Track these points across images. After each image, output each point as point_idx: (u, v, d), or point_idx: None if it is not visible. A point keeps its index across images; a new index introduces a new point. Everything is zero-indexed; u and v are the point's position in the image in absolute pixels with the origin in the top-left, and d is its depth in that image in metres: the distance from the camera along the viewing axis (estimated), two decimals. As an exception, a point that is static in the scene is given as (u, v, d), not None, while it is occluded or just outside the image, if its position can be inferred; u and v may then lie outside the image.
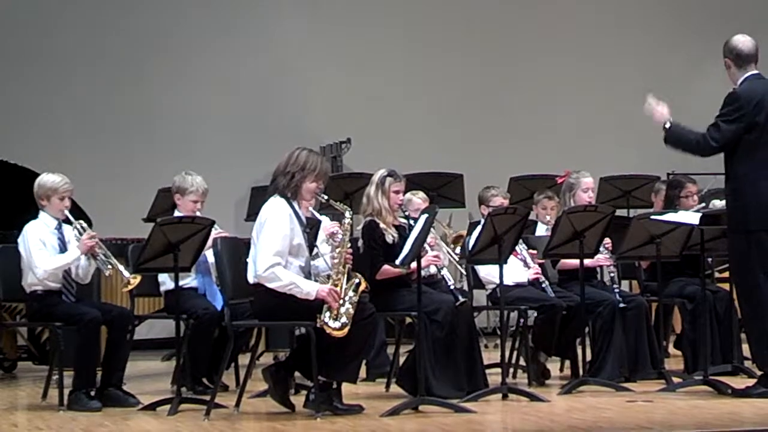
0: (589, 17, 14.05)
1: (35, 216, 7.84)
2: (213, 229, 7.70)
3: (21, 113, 12.23)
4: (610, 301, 8.42)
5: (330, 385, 7.06)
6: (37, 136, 12.04)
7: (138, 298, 8.63)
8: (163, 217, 8.23)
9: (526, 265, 8.60)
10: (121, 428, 6.93)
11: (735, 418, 6.79)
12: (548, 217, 8.85)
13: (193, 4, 13.00)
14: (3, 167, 10.09)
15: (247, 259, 7.22)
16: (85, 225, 7.84)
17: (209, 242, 7.66)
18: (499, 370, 7.95)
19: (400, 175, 7.99)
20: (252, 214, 9.97)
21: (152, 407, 7.44)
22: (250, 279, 7.08)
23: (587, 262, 8.19)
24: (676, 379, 8.20)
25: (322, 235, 7.53)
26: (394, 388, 7.95)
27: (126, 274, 7.72)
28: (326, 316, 6.87)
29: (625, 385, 8.12)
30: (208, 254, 7.99)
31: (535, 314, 8.51)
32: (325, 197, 7.30)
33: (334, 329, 6.86)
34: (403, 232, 7.81)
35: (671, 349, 9.52)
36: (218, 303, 8.23)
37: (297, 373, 7.30)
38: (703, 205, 9.04)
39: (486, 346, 10.56)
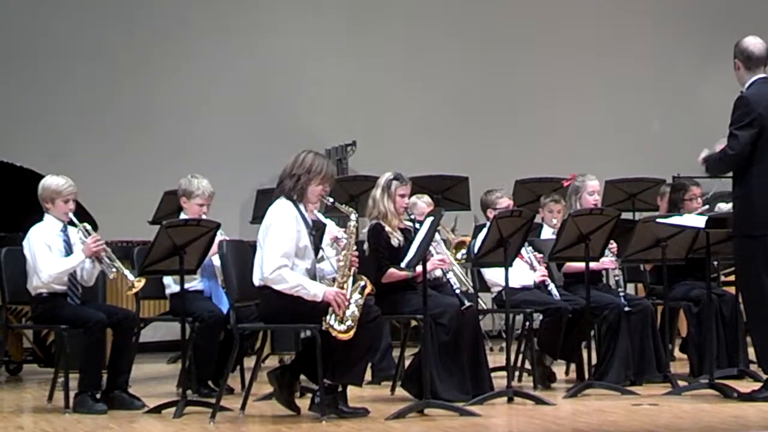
0: (595, 19, 14.04)
1: (40, 218, 7.85)
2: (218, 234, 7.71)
3: (25, 115, 12.23)
4: (615, 305, 8.42)
5: (335, 388, 7.06)
6: (42, 139, 12.04)
7: (143, 300, 8.63)
8: (168, 219, 8.21)
9: (531, 268, 8.60)
10: (127, 431, 6.94)
11: (740, 422, 6.78)
12: (554, 221, 8.84)
13: (200, 5, 13.00)
14: (8, 169, 10.08)
15: (253, 262, 7.21)
16: (89, 228, 7.84)
17: (214, 247, 7.66)
18: (504, 373, 7.95)
19: (406, 178, 7.99)
20: (257, 217, 9.97)
21: (158, 410, 7.45)
22: (256, 281, 7.09)
23: (593, 265, 8.19)
24: (681, 383, 8.20)
25: (327, 239, 7.53)
26: (400, 391, 7.94)
27: (130, 277, 7.72)
28: (332, 319, 6.87)
29: (631, 388, 8.11)
30: (214, 257, 7.99)
31: (541, 317, 8.51)
32: (331, 200, 7.31)
33: (340, 332, 6.86)
34: (408, 235, 7.81)
35: (677, 353, 9.52)
36: (224, 306, 8.23)
37: (302, 376, 7.30)
38: (707, 207, 9.03)
39: (491, 349, 10.57)
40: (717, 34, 12.66)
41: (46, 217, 7.84)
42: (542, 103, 13.66)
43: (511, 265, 7.87)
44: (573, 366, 8.87)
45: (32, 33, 12.39)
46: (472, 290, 8.41)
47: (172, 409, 7.30)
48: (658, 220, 8.21)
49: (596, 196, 8.81)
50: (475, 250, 8.05)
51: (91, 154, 12.10)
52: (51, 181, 7.86)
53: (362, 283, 7.04)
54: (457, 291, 7.88)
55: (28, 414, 7.94)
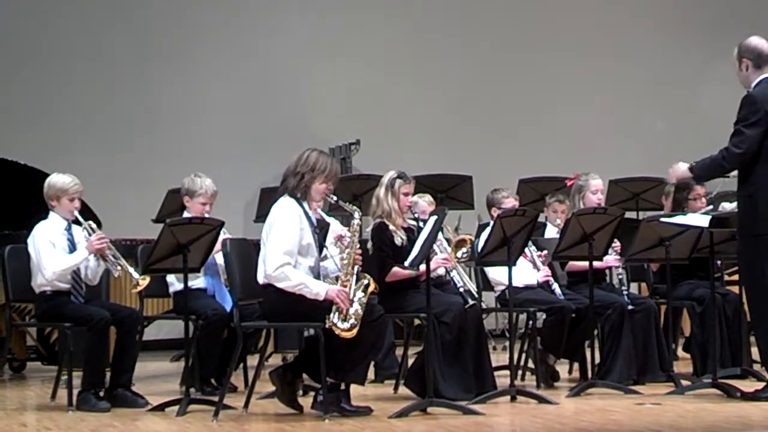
0: (598, 19, 14.05)
1: (45, 216, 7.85)
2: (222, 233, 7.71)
3: (30, 114, 12.24)
4: (619, 304, 8.42)
5: (338, 387, 7.06)
6: (47, 137, 12.05)
7: (147, 298, 8.64)
8: (172, 217, 8.22)
9: (535, 267, 8.60)
10: (130, 429, 6.95)
11: (744, 422, 6.78)
12: (558, 220, 8.84)
13: (204, 4, 13.00)
14: (13, 168, 10.09)
15: (257, 261, 7.21)
16: (94, 226, 7.84)
17: (217, 246, 7.66)
18: (507, 372, 7.95)
19: (410, 176, 7.99)
20: (261, 216, 9.98)
21: (161, 408, 7.45)
22: (260, 280, 7.09)
23: (596, 264, 8.19)
24: (684, 382, 8.19)
25: (330, 238, 7.53)
26: (403, 390, 7.95)
27: (135, 275, 7.73)
28: (335, 317, 6.87)
29: (634, 387, 8.11)
30: (217, 255, 8.00)
31: (544, 316, 8.51)
32: (335, 198, 7.31)
33: (343, 330, 6.86)
34: (412, 234, 7.81)
35: (680, 352, 9.51)
36: (227, 304, 8.24)
37: (305, 375, 7.30)
38: (711, 207, 9.02)
39: (494, 348, 10.57)
40: (718, 34, 12.67)
41: (51, 215, 7.85)
42: (546, 103, 13.66)
43: (514, 264, 7.88)
44: (576, 365, 8.86)
45: (37, 33, 12.39)
46: (474, 289, 8.40)
47: (176, 407, 7.30)
48: (662, 219, 8.20)
49: (599, 195, 8.81)
50: (479, 249, 8.05)
51: (95, 152, 12.11)
52: (57, 180, 7.86)
53: (366, 282, 7.04)
54: (461, 289, 7.88)
55: (32, 412, 7.94)
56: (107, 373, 7.70)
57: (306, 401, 7.22)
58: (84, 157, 11.64)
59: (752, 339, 8.09)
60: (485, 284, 8.81)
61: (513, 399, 7.62)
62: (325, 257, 7.33)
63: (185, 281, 7.45)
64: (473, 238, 8.61)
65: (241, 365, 8.40)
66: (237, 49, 12.95)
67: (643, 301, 8.68)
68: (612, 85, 13.90)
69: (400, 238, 7.85)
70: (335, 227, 7.67)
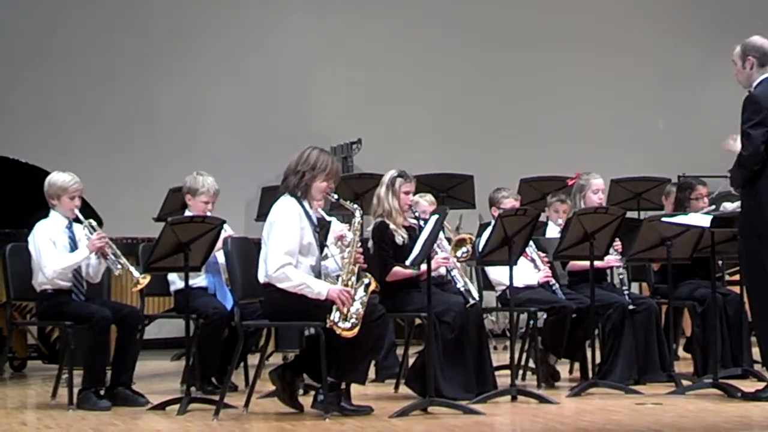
0: (601, 19, 14.05)
1: (46, 215, 7.85)
2: (223, 230, 7.71)
3: (31, 112, 12.26)
4: (619, 303, 8.41)
5: (338, 386, 7.06)
6: (48, 135, 12.06)
7: (148, 297, 8.64)
8: (173, 216, 8.22)
9: (536, 266, 8.60)
10: (131, 427, 6.94)
11: (744, 422, 6.78)
12: (560, 220, 8.84)
13: (206, 3, 13.00)
14: (14, 166, 10.10)
15: (258, 259, 7.21)
16: (95, 224, 7.85)
17: (219, 243, 7.66)
18: (508, 371, 7.94)
19: (411, 175, 7.99)
20: (262, 215, 9.98)
21: (161, 407, 7.44)
22: (261, 279, 7.08)
23: (597, 263, 8.19)
24: (685, 382, 8.19)
25: (331, 237, 7.53)
26: (404, 389, 7.95)
27: (136, 273, 7.73)
28: (336, 317, 6.87)
29: (635, 387, 8.11)
30: (218, 254, 8.00)
31: (545, 316, 8.50)
32: (336, 196, 7.30)
33: (344, 330, 6.85)
34: (413, 233, 7.81)
35: (681, 352, 9.52)
36: (228, 303, 8.24)
37: (305, 374, 7.30)
38: (713, 207, 9.02)
39: (495, 348, 10.57)
40: (719, 34, 12.66)
41: (52, 213, 7.84)
42: (547, 103, 13.66)
43: (515, 264, 7.87)
44: (577, 365, 8.86)
45: (38, 32, 12.41)
46: (473, 288, 8.40)
47: (176, 406, 7.30)
48: (664, 219, 8.20)
49: (600, 194, 8.80)
50: (480, 248, 8.05)
51: (96, 151, 12.12)
52: (57, 178, 7.86)
53: (367, 281, 7.03)
54: (462, 289, 7.88)
55: (32, 410, 7.94)
56: (108, 371, 7.69)
57: (306, 400, 7.21)
58: (85, 155, 11.66)
59: (753, 339, 8.09)
60: (486, 284, 8.81)
61: (514, 399, 7.62)
62: (326, 256, 7.33)
63: (186, 280, 7.44)
64: (474, 238, 8.61)
65: (242, 364, 8.39)
66: (238, 49, 12.96)
67: (644, 300, 8.67)
68: (613, 84, 13.91)
69: (400, 237, 7.85)
70: (335, 226, 7.67)
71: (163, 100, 12.69)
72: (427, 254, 7.17)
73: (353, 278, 7.04)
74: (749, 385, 7.84)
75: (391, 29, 13.43)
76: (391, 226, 7.85)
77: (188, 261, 7.35)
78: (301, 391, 7.35)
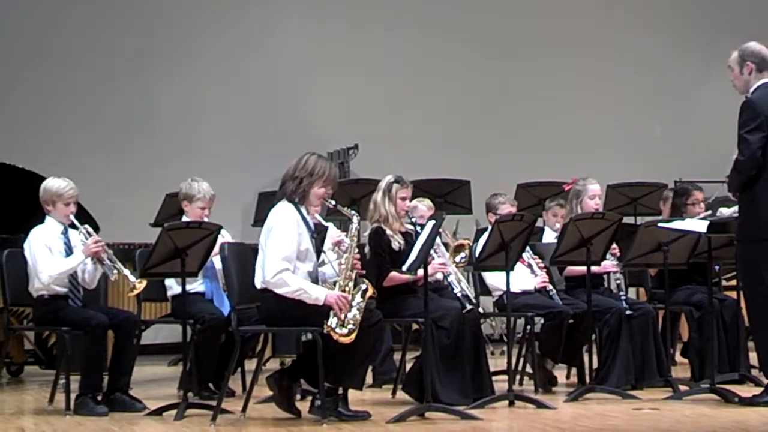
0: (597, 24, 14.07)
1: (42, 220, 7.85)
2: (220, 236, 7.71)
3: (27, 117, 12.24)
4: (616, 309, 8.42)
5: (336, 391, 7.05)
6: (44, 141, 12.04)
7: (145, 302, 8.65)
8: (170, 222, 8.21)
9: (532, 272, 8.60)
10: (128, 433, 6.95)
11: (741, 427, 6.77)
12: (558, 225, 8.84)
13: (202, 7, 13.01)
14: (9, 171, 10.09)
15: (255, 265, 7.20)
16: (91, 230, 7.84)
17: (215, 249, 7.66)
18: (505, 377, 7.95)
19: (407, 181, 7.99)
20: (259, 220, 9.98)
21: (159, 412, 7.45)
22: (258, 284, 7.08)
23: (594, 269, 8.19)
24: (682, 387, 8.19)
25: (328, 243, 7.53)
26: (401, 395, 7.94)
27: (131, 278, 7.73)
28: (333, 322, 6.86)
29: (632, 392, 8.11)
30: (215, 259, 7.99)
31: (542, 321, 8.50)
32: (333, 202, 7.30)
33: (341, 335, 6.85)
34: (410, 238, 7.81)
35: (678, 357, 9.52)
36: (225, 308, 8.23)
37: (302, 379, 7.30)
38: (710, 212, 9.02)
39: (492, 353, 10.56)
40: (717, 40, 12.67)
41: (47, 219, 7.84)
42: (544, 108, 13.67)
43: (512, 269, 7.87)
44: (574, 370, 8.86)
45: (35, 35, 12.40)
46: (471, 293, 8.40)
47: (173, 412, 7.30)
48: (660, 224, 8.20)
49: (597, 200, 8.81)
50: (477, 253, 8.05)
51: (93, 156, 12.11)
52: (52, 184, 7.85)
53: (364, 287, 7.03)
54: (459, 294, 7.88)
55: (29, 416, 7.93)
56: (105, 377, 7.69)
57: (304, 406, 7.21)
58: (82, 160, 11.66)
59: (750, 344, 8.10)
60: (483, 289, 8.81)
61: (511, 404, 7.62)
62: (323, 262, 7.32)
63: (183, 285, 7.44)
64: (471, 243, 8.61)
65: (239, 369, 8.40)
66: (236, 53, 12.96)
67: (641, 306, 8.67)
68: (610, 90, 13.92)
69: (397, 242, 7.85)
70: (332, 232, 7.67)
71: (160, 105, 12.67)
72: (424, 260, 7.18)
73: (350, 284, 7.04)
74: (746, 390, 7.85)
75: (389, 35, 13.43)
76: (388, 231, 7.86)
77: (185, 266, 7.35)
78: (298, 397, 7.35)
